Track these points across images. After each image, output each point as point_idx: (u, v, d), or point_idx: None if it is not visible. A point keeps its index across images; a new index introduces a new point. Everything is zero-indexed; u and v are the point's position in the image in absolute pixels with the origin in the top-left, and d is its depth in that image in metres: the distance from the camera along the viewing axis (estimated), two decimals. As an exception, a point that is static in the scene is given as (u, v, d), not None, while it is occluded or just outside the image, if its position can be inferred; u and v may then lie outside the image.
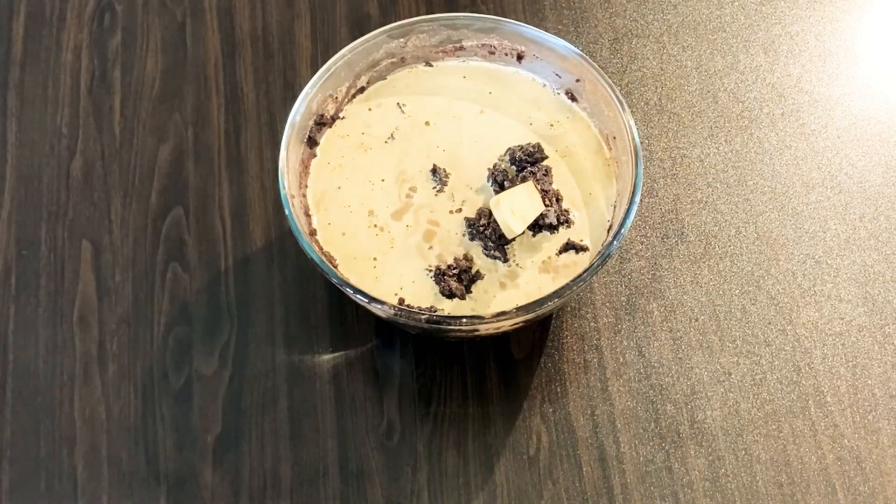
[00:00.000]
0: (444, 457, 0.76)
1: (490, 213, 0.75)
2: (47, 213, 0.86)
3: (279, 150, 0.75)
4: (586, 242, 0.77)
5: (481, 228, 0.76)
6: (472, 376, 0.79)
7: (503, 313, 0.71)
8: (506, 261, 0.76)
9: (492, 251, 0.76)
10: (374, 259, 0.76)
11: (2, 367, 0.80)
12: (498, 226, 0.75)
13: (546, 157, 0.78)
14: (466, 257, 0.76)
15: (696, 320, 0.82)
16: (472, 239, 0.77)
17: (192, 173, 0.87)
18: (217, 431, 0.77)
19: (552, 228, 0.76)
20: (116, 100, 0.91)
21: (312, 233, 0.77)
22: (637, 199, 0.74)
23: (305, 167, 0.79)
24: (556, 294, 0.71)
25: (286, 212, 0.73)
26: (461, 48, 0.83)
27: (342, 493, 0.75)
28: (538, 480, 0.76)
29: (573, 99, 0.82)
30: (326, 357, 0.80)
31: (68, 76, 0.92)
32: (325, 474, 0.76)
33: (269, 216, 0.85)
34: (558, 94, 0.83)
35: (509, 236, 0.75)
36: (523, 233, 0.76)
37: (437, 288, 0.75)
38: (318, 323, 0.81)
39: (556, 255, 0.76)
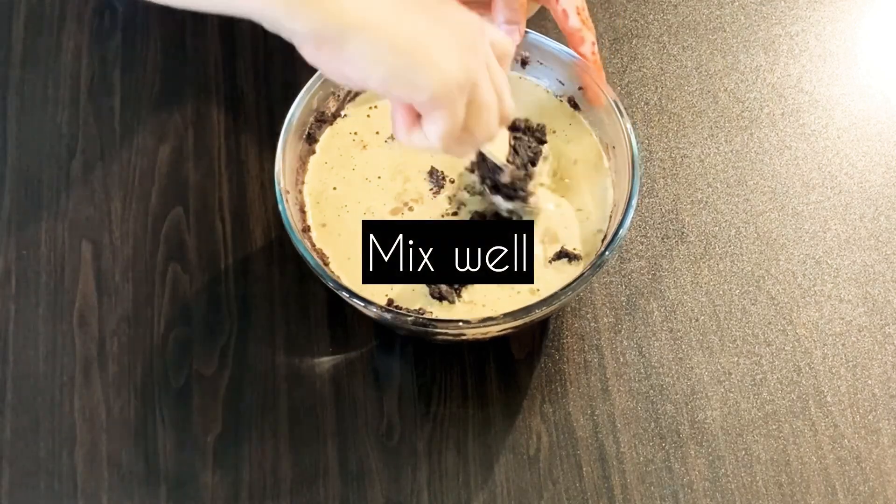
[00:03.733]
0: (444, 457, 0.76)
1: (483, 158, 0.76)
2: (47, 213, 0.86)
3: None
4: (579, 251, 0.76)
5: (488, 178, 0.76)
6: (472, 376, 0.79)
7: (489, 318, 0.70)
8: (526, 200, 0.76)
9: (511, 194, 0.76)
10: None
11: (2, 367, 0.80)
12: (497, 167, 0.75)
13: (544, 141, 0.78)
14: None
15: (696, 320, 0.82)
16: (493, 192, 0.76)
17: (192, 173, 0.87)
18: (217, 431, 0.77)
19: (505, 191, 0.76)
20: (116, 100, 0.91)
21: (306, 229, 0.77)
22: (631, 211, 0.73)
23: (303, 164, 0.79)
24: (544, 302, 0.71)
25: (279, 207, 0.73)
26: None
27: (342, 493, 0.75)
28: (538, 480, 0.76)
29: (575, 107, 0.82)
30: (326, 357, 0.80)
31: (68, 76, 0.92)
32: (325, 474, 0.76)
33: (269, 216, 0.85)
34: (561, 101, 0.83)
35: (500, 162, 0.75)
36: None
37: (428, 290, 0.75)
38: (318, 323, 0.81)
39: (549, 262, 0.76)
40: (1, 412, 0.78)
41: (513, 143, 0.76)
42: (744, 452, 0.77)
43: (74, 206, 0.86)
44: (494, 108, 0.64)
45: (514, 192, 0.76)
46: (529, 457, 0.76)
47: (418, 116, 0.62)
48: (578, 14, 0.77)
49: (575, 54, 0.80)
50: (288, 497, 0.75)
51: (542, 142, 0.78)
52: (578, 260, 0.76)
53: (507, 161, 0.76)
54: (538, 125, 0.78)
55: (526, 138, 0.77)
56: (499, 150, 0.75)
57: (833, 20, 0.96)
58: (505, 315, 0.70)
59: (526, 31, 0.81)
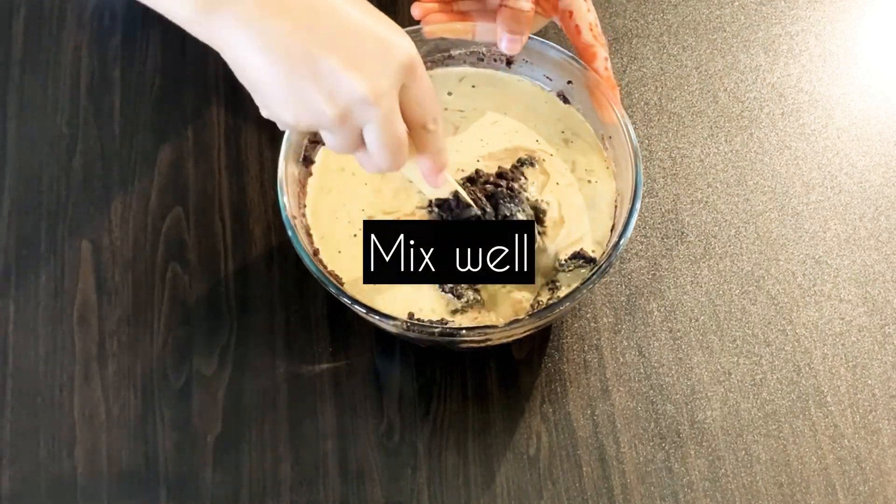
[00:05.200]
0: (444, 457, 0.76)
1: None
2: (47, 213, 0.86)
3: (279, 153, 0.75)
4: (594, 247, 0.76)
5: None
6: (473, 377, 0.79)
7: (516, 321, 0.70)
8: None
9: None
10: None
11: (2, 367, 0.80)
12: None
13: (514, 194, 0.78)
14: None
15: (696, 320, 0.82)
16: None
17: (192, 173, 0.87)
18: (217, 431, 0.77)
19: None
20: (116, 100, 0.91)
21: (315, 252, 0.76)
22: (637, 204, 0.73)
23: (303, 186, 0.78)
24: (568, 298, 0.70)
25: (289, 234, 0.72)
26: (450, 57, 0.83)
27: (342, 493, 0.75)
28: (538, 480, 0.76)
29: (566, 101, 0.82)
30: (326, 357, 0.80)
31: (68, 76, 0.92)
32: (325, 474, 0.76)
33: (269, 216, 0.85)
34: (550, 96, 0.82)
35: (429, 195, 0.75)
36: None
37: (443, 300, 0.74)
38: (318, 323, 0.81)
39: (564, 261, 0.76)
40: (1, 412, 0.78)
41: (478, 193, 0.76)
42: (744, 452, 0.77)
43: (74, 206, 0.86)
44: (380, 151, 0.65)
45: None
46: (529, 457, 0.76)
47: None
48: (591, 30, 0.77)
49: (561, 49, 0.79)
50: (288, 497, 0.75)
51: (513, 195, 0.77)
52: (593, 263, 0.76)
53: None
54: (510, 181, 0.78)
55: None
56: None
57: (833, 20, 0.96)
58: (530, 316, 0.70)
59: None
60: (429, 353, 0.80)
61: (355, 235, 0.77)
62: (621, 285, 0.83)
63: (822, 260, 0.84)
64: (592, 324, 0.81)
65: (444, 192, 0.75)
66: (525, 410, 0.78)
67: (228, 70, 0.92)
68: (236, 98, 0.90)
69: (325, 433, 0.77)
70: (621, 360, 0.80)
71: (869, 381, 0.79)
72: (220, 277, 0.83)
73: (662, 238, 0.85)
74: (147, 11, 0.96)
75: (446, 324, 0.73)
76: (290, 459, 0.76)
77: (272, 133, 0.88)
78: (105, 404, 0.78)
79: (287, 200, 0.74)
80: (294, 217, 0.74)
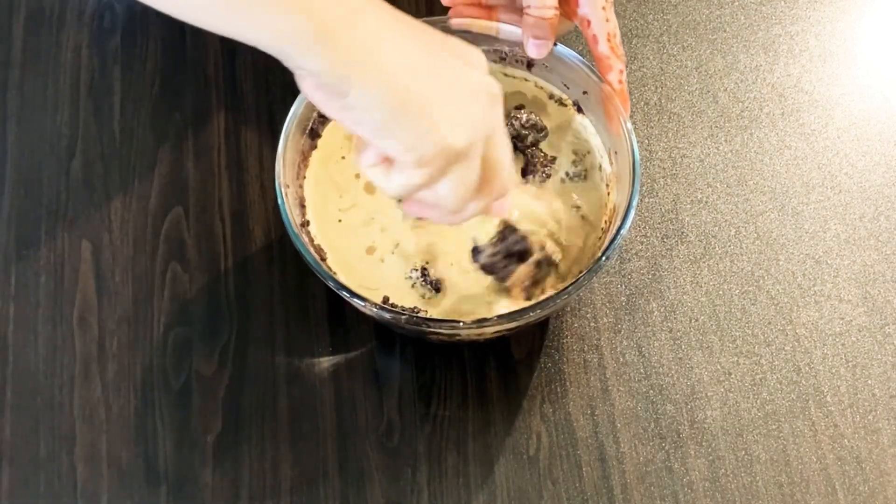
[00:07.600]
0: (444, 457, 0.76)
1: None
2: (47, 213, 0.86)
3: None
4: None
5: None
6: (472, 376, 0.79)
7: (484, 320, 0.70)
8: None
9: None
10: (367, 255, 0.76)
11: (2, 367, 0.80)
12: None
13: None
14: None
15: (696, 320, 0.82)
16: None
17: (192, 173, 0.87)
18: (217, 431, 0.77)
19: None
20: (116, 100, 0.91)
21: (304, 224, 0.76)
22: (629, 220, 0.72)
23: (305, 158, 0.79)
24: (539, 305, 0.70)
25: (279, 201, 0.73)
26: None
27: (342, 493, 0.75)
28: (538, 480, 0.76)
29: (580, 111, 0.82)
30: (326, 357, 0.80)
31: (68, 76, 0.92)
32: (325, 474, 0.76)
33: (269, 216, 0.85)
34: (565, 105, 0.82)
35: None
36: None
37: (424, 289, 0.75)
38: (317, 323, 0.81)
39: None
40: (1, 412, 0.78)
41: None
42: (744, 452, 0.77)
43: (74, 206, 0.86)
44: (496, 178, 0.63)
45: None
46: (529, 457, 0.76)
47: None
48: (609, 41, 0.76)
49: (580, 58, 0.79)
50: (288, 497, 0.75)
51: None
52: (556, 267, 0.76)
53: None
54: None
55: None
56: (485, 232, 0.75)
57: (833, 20, 0.96)
58: (499, 317, 0.70)
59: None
60: (429, 353, 0.80)
61: (350, 210, 0.78)
62: (621, 285, 0.83)
63: (822, 260, 0.84)
64: (592, 324, 0.81)
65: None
66: (525, 410, 0.78)
67: (228, 70, 0.93)
68: (236, 98, 0.90)
69: (325, 433, 0.77)
70: (621, 360, 0.80)
71: (869, 381, 0.79)
72: (220, 277, 0.83)
73: (662, 238, 0.85)
74: (147, 11, 0.97)
75: (417, 312, 0.73)
76: (290, 459, 0.76)
77: (272, 133, 0.89)
78: (105, 404, 0.78)
79: (282, 168, 0.73)
80: (287, 186, 0.74)
